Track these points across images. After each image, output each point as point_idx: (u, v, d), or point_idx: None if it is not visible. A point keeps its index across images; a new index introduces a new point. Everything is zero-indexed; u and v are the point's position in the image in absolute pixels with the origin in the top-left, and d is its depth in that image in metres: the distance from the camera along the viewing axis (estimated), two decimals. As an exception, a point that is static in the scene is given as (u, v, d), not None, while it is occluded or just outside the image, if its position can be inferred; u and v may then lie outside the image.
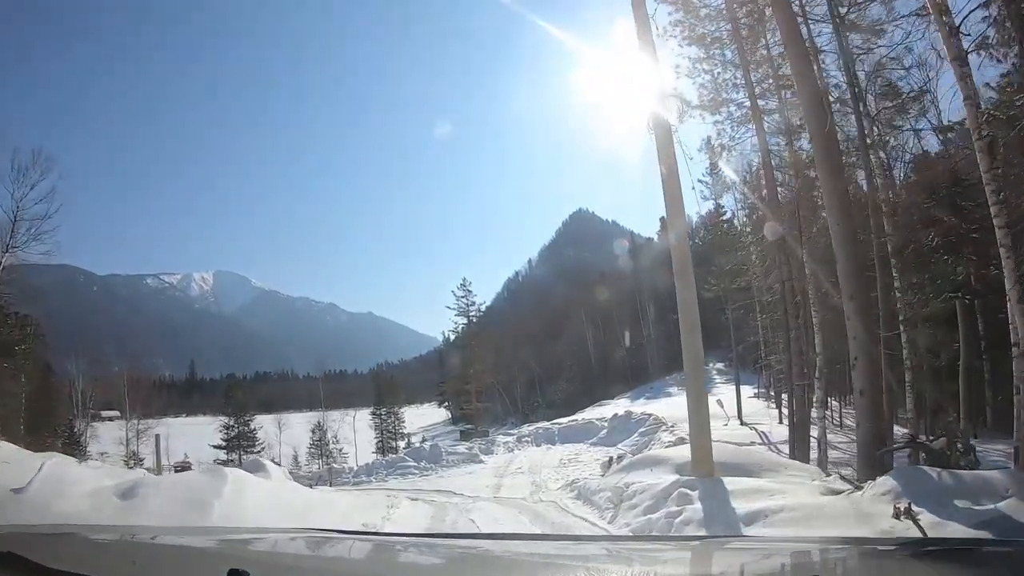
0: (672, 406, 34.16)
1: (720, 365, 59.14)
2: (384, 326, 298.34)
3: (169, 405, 78.61)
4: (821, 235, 16.32)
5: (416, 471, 20.65)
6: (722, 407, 27.67)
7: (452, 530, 7.84)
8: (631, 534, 6.66)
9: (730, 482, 6.59)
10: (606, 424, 25.64)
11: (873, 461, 6.68)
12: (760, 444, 20.58)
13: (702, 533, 5.17)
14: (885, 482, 5.15)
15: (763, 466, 8.23)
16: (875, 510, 4.80)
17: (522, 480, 16.52)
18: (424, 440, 35.98)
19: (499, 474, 18.24)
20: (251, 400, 46.89)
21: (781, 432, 23.59)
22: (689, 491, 6.63)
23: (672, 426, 22.21)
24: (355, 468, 22.34)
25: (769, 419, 28.10)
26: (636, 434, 22.67)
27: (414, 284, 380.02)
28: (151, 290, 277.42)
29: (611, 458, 10.30)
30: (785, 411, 28.53)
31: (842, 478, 6.08)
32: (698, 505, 6.18)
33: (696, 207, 32.69)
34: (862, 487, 5.44)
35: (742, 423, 27.19)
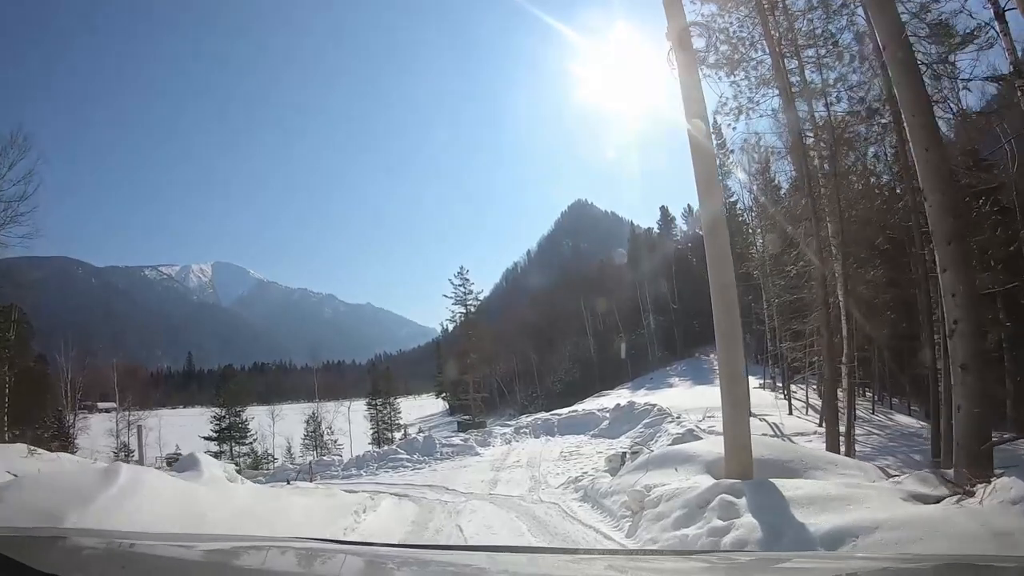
0: (675, 396, 33.04)
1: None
2: (383, 317, 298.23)
3: (167, 397, 78.39)
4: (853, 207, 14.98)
5: (408, 464, 19.40)
6: (730, 397, 26.37)
7: (435, 539, 7.24)
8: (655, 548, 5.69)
9: (782, 486, 5.21)
10: (608, 415, 24.42)
11: (979, 457, 5.32)
12: (772, 436, 19.24)
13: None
14: (1010, 485, 3.78)
15: (807, 463, 6.89)
16: (1013, 525, 3.44)
17: (520, 475, 15.26)
18: (421, 431, 34.73)
19: (496, 467, 16.97)
20: (248, 391, 45.76)
21: (794, 424, 22.37)
22: (734, 499, 5.30)
23: (678, 417, 21.00)
24: (344, 461, 21.01)
25: (777, 410, 26.96)
26: (640, 425, 21.39)
27: (413, 275, 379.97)
28: (150, 282, 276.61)
29: (623, 453, 8.71)
30: (797, 403, 27.47)
31: (942, 480, 4.67)
32: (750, 518, 4.82)
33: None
34: (973, 492, 4.08)
35: (751, 415, 25.86)
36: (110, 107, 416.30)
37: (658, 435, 17.90)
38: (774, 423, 21.66)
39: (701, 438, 16.34)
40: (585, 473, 11.70)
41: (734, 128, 15.70)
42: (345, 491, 11.68)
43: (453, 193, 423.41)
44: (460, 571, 1.83)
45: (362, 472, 19.31)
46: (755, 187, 28.60)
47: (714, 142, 15.11)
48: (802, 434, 19.91)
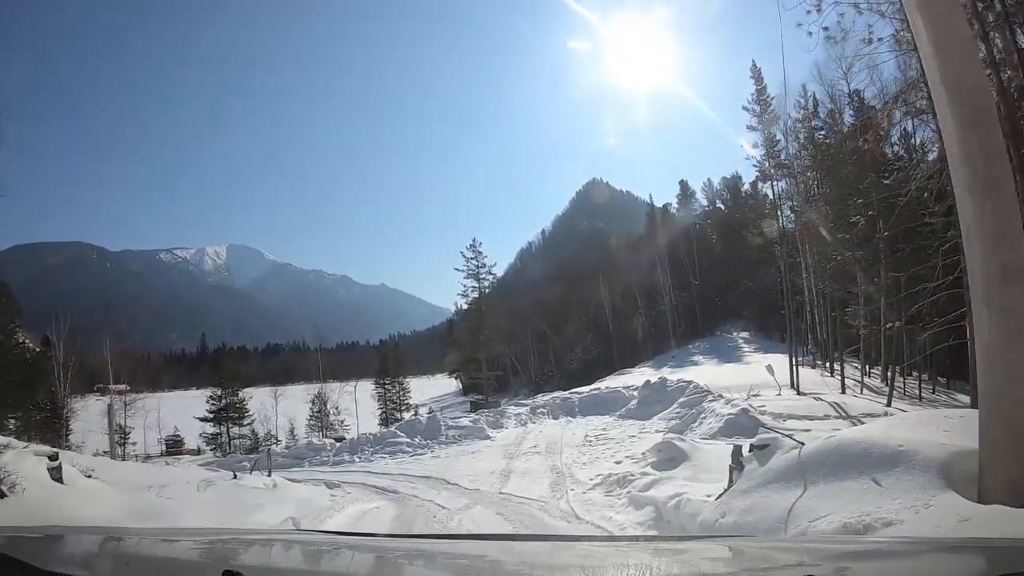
0: (705, 374, 30.01)
1: (745, 334, 55.64)
2: (397, 298, 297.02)
3: (179, 379, 77.34)
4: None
5: (409, 449, 16.89)
6: (772, 374, 23.55)
7: None
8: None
9: None
10: (636, 393, 21.74)
11: None
12: (837, 417, 16.42)
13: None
14: None
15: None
16: None
17: (538, 464, 12.59)
18: (431, 411, 32.27)
19: (509, 454, 14.33)
20: (243, 371, 43.63)
21: (857, 404, 19.39)
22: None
23: (720, 396, 18.11)
24: (336, 445, 18.47)
25: (828, 388, 24.12)
26: (676, 405, 18.63)
27: (427, 256, 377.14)
28: (165, 265, 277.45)
29: (737, 448, 5.41)
30: (851, 380, 24.49)
31: None
32: None
33: (741, 142, 27.61)
34: None
35: (799, 393, 23.02)
36: (123, 92, 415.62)
37: (702, 416, 15.07)
38: (833, 403, 18.74)
39: (763, 422, 13.57)
40: (629, 473, 8.66)
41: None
42: (312, 486, 9.15)
43: (468, 175, 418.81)
44: (468, 558, 1.81)
45: (355, 458, 16.84)
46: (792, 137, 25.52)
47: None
48: (871, 415, 17.01)
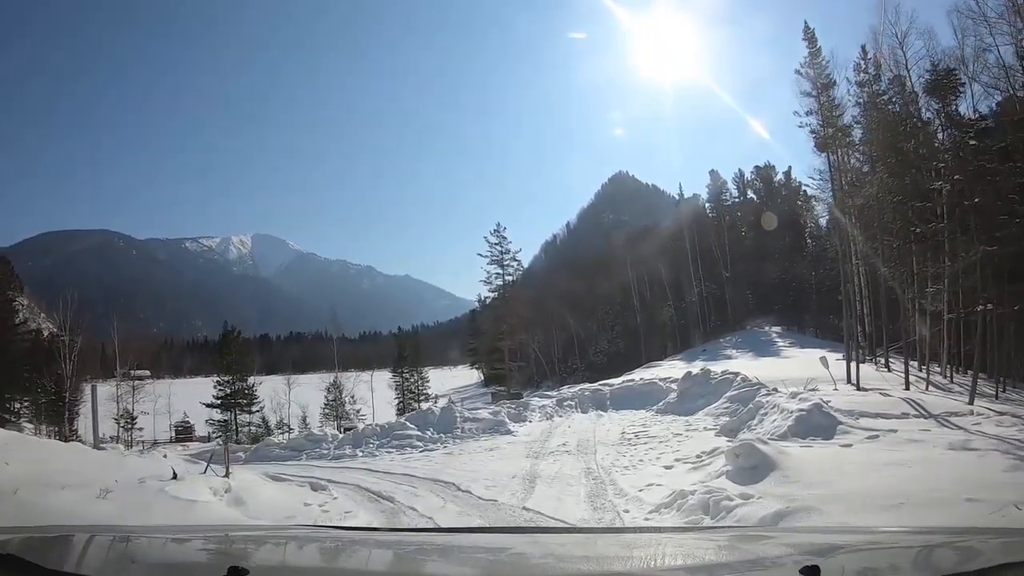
0: (745, 369, 27.47)
1: (777, 328, 53.11)
2: (421, 289, 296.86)
3: (200, 365, 76.99)
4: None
5: (419, 443, 14.81)
6: (826, 367, 21.04)
7: None
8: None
9: None
10: (675, 385, 19.46)
11: None
12: (917, 416, 13.91)
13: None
14: None
15: None
16: None
17: (570, 467, 10.35)
18: (451, 402, 30.24)
19: (534, 453, 12.13)
20: (251, 357, 42.34)
21: (933, 402, 16.72)
22: None
23: (774, 390, 15.64)
24: (338, 437, 16.47)
25: (887, 383, 21.60)
26: (723, 399, 16.33)
27: (452, 248, 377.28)
28: (190, 253, 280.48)
29: None
30: (915, 377, 21.87)
31: None
32: None
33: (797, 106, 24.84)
34: None
35: (858, 388, 20.48)
36: (150, 81, 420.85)
37: (762, 412, 12.68)
38: (907, 399, 16.19)
39: (840, 420, 11.22)
40: (713, 491, 6.20)
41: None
42: (291, 487, 7.11)
43: (494, 168, 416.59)
44: (476, 550, 1.80)
45: (357, 452, 14.79)
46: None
47: None
48: (956, 414, 14.49)
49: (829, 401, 13.91)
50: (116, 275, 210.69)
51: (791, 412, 11.42)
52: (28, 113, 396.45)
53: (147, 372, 50.58)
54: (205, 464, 7.37)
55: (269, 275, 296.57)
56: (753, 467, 6.79)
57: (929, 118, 21.41)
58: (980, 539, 1.70)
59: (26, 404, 38.60)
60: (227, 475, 7.13)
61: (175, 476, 6.47)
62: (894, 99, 21.86)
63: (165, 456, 9.36)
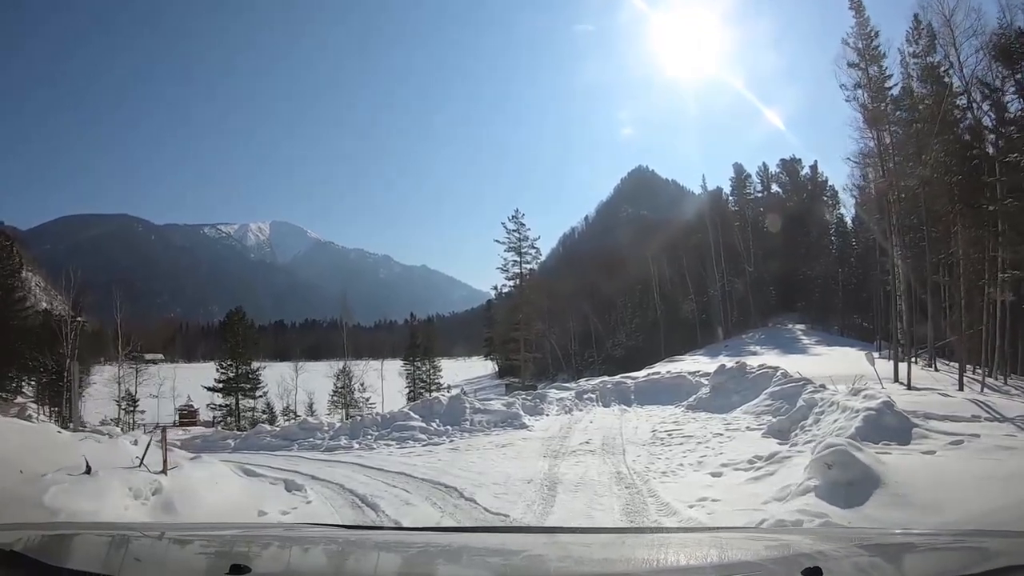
0: (777, 364, 25.80)
1: (801, 326, 51.31)
2: (438, 279, 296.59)
3: (214, 350, 76.75)
4: None
5: (423, 436, 13.26)
6: (872, 364, 19.27)
7: None
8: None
9: None
10: (705, 380, 17.74)
11: None
12: (990, 419, 12.07)
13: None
14: None
15: None
16: None
17: (595, 470, 8.71)
18: (465, 393, 28.77)
19: (552, 452, 10.49)
20: (256, 340, 41.24)
21: (1007, 404, 14.85)
22: None
23: (823, 387, 13.79)
24: (335, 426, 14.97)
25: (938, 383, 19.87)
26: (764, 396, 14.52)
27: (470, 239, 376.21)
28: (208, 240, 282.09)
29: None
30: (968, 377, 19.97)
31: None
32: None
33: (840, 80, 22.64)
34: None
35: (908, 387, 18.64)
36: (170, 70, 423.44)
37: (816, 411, 10.86)
38: (975, 401, 14.33)
39: (914, 423, 9.43)
40: (781, 505, 4.62)
41: None
42: (260, 483, 5.59)
43: (514, 160, 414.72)
44: (475, 549, 1.77)
45: (353, 444, 13.26)
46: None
47: None
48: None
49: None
50: (134, 260, 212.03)
51: (856, 411, 9.60)
52: (53, 100, 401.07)
53: (160, 356, 49.88)
54: (139, 459, 5.80)
55: (286, 262, 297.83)
56: (849, 482, 5.12)
57: (989, 91, 19.48)
58: (985, 540, 1.68)
59: (31, 384, 37.96)
60: (164, 471, 5.59)
61: (88, 470, 4.95)
62: (950, 70, 19.91)
63: (135, 443, 7.82)
